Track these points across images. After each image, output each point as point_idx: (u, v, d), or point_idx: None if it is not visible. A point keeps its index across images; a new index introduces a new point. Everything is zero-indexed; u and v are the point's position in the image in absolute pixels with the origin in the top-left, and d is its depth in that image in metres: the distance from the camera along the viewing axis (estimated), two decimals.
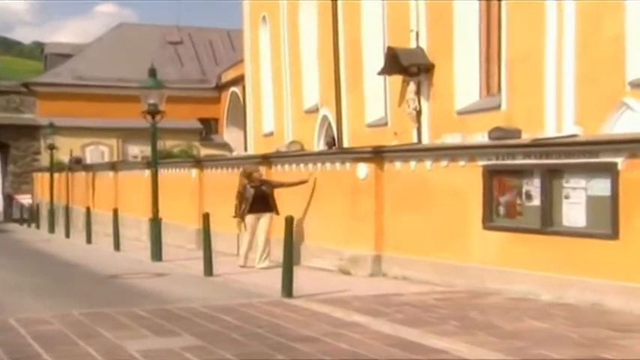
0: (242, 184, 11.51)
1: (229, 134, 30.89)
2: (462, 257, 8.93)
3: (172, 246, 14.96)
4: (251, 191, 11.38)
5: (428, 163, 9.57)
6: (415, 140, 14.28)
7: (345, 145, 17.53)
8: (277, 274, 8.62)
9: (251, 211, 11.31)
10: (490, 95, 13.40)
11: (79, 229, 20.04)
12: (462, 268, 8.86)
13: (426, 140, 14.08)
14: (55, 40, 45.05)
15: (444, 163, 9.31)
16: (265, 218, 11.38)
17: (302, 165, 12.07)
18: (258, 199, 11.36)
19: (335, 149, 16.48)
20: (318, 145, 19.49)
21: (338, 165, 11.17)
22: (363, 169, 10.43)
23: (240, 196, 11.50)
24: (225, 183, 14.46)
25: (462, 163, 9.04)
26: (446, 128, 12.95)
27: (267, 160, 13.03)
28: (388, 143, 12.87)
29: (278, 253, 9.14)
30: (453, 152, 9.27)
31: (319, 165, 11.66)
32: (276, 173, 12.80)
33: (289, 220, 8.53)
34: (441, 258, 9.20)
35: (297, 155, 12.86)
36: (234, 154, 22.52)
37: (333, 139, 18.68)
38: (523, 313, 6.94)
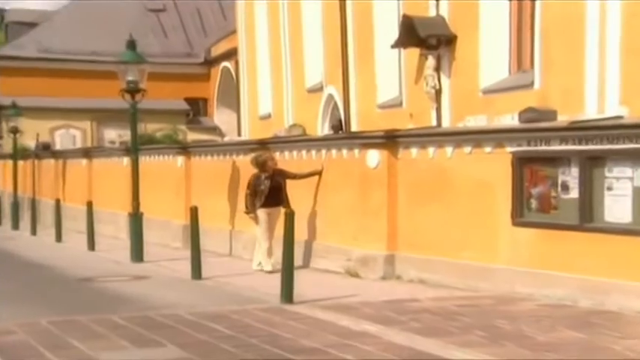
0: (255, 174, 11.34)
1: (220, 116, 30.87)
2: (487, 257, 8.94)
3: (155, 244, 15.00)
4: (267, 183, 11.21)
5: (449, 150, 9.57)
6: (434, 123, 14.26)
7: (354, 128, 17.51)
8: (279, 277, 8.64)
9: (265, 205, 11.16)
10: (521, 71, 13.37)
11: (47, 226, 20.12)
12: (488, 270, 8.88)
13: (446, 123, 14.05)
14: (17, 7, 44.25)
15: (467, 149, 9.31)
16: (277, 214, 11.17)
17: (304, 152, 12.09)
18: (273, 192, 11.17)
19: (342, 134, 16.47)
20: (323, 129, 19.47)
21: (345, 152, 11.17)
22: (374, 157, 10.44)
23: (253, 188, 11.30)
24: (216, 172, 14.51)
25: (488, 149, 9.04)
26: (469, 109, 12.94)
27: (263, 146, 13.03)
28: (403, 127, 12.84)
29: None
30: (477, 137, 9.27)
31: (324, 152, 11.67)
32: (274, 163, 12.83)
33: (289, 216, 8.54)
34: (463, 258, 9.22)
35: (299, 141, 12.86)
36: (226, 139, 22.51)
37: (340, 122, 18.67)
38: (558, 322, 6.96)
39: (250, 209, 11.29)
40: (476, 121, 11.10)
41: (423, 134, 10.43)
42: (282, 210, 10.80)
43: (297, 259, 10.28)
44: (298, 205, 10.74)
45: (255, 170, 11.41)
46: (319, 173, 11.30)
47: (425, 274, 9.71)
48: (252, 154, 11.92)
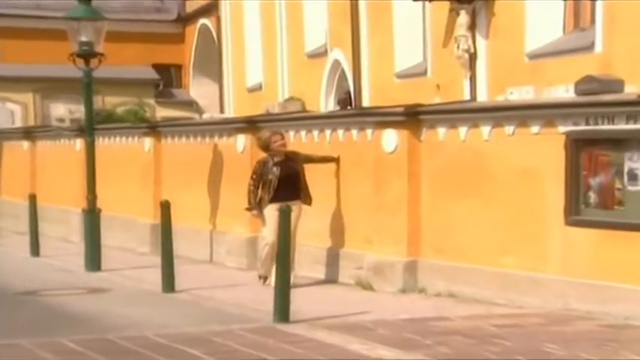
0: (260, 160, 11.05)
1: (198, 88, 30.83)
2: (534, 265, 8.96)
3: (116, 249, 15.05)
4: (275, 170, 10.78)
5: (485, 130, 9.59)
6: (467, 96, 14.26)
7: (366, 103, 17.52)
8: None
9: (275, 199, 10.59)
10: (578, 30, 13.36)
11: None
12: (535, 281, 8.90)
13: (482, 97, 14.06)
14: None
15: (508, 129, 9.32)
16: (293, 210, 10.52)
17: (303, 133, 12.12)
18: (285, 181, 10.72)
19: (351, 110, 16.47)
20: (327, 103, 19.51)
21: (355, 132, 11.20)
22: (391, 139, 10.46)
23: (258, 177, 10.91)
24: (193, 159, 14.55)
25: (535, 129, 9.06)
26: (512, 79, 12.94)
27: (253, 124, 13.08)
28: (428, 101, 12.86)
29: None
30: (522, 113, 9.28)
31: (328, 133, 11.69)
32: None
33: (285, 212, 8.55)
34: (503, 266, 9.24)
35: (297, 119, 12.90)
36: (206, 116, 22.47)
37: (349, 95, 18.69)
38: (624, 347, 6.96)
39: (254, 205, 10.90)
40: (520, 94, 11.10)
41: (452, 110, 10.43)
42: (302, 206, 10.76)
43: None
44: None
45: (262, 155, 11.12)
46: (335, 161, 11.21)
47: (455, 286, 9.73)
48: (257, 136, 11.67)
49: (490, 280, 9.35)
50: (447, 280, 9.87)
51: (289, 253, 8.49)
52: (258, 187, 10.88)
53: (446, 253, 9.94)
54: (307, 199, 10.85)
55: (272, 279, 10.16)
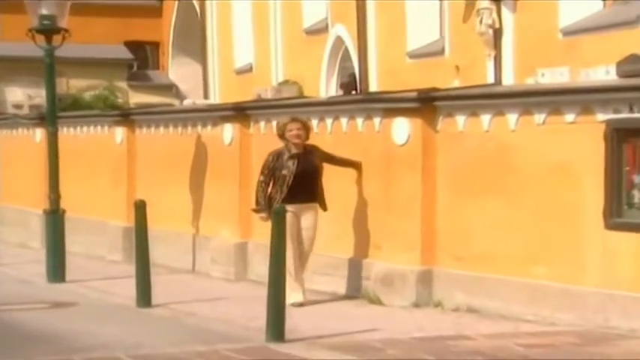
0: (273, 152, 10.78)
1: (178, 69, 30.83)
2: (569, 275, 8.95)
3: (83, 256, 15.05)
4: (290, 165, 10.51)
5: (512, 119, 9.58)
6: (491, 79, 14.25)
7: (373, 88, 17.50)
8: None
9: (288, 199, 10.36)
10: (621, 2, 13.33)
11: None
12: (570, 294, 8.89)
13: (508, 80, 14.04)
14: None
15: (539, 117, 9.32)
16: (309, 215, 10.66)
17: None
18: (302, 179, 10.45)
19: (356, 95, 16.45)
20: (328, 88, 19.49)
21: (361, 121, 11.20)
22: (402, 129, 10.45)
23: (269, 172, 10.65)
24: (173, 152, 14.53)
25: (569, 117, 9.05)
26: (544, 59, 12.92)
27: (241, 112, 13.09)
28: (445, 85, 12.84)
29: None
30: (554, 99, 9.27)
31: (330, 122, 11.68)
32: (258, 136, 12.84)
33: (277, 214, 8.56)
34: (533, 276, 9.23)
35: (293, 105, 12.88)
36: (187, 103, 22.40)
37: (353, 77, 18.68)
38: None
39: (263, 205, 10.61)
40: (553, 76, 11.04)
41: (474, 95, 10.42)
42: (315, 209, 10.60)
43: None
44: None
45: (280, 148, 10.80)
46: (357, 167, 10.99)
47: (477, 299, 9.72)
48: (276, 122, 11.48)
49: (517, 293, 9.33)
50: (467, 293, 9.85)
51: (283, 261, 8.44)
52: (269, 184, 10.66)
53: (466, 262, 9.92)
54: (323, 204, 10.71)
55: (293, 297, 10.13)
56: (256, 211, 10.85)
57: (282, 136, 10.69)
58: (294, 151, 10.59)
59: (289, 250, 10.07)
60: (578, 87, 9.59)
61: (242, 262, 12.70)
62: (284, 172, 10.50)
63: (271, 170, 10.64)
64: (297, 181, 10.49)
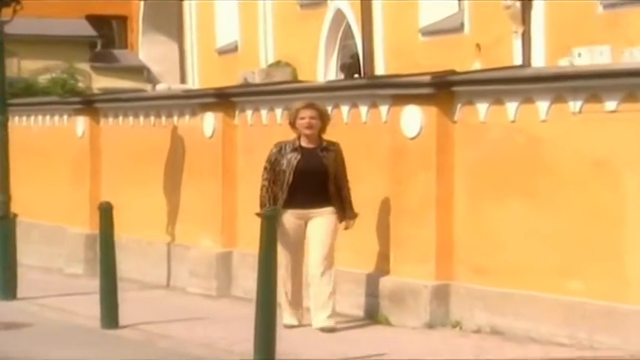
0: (277, 143, 10.48)
1: (150, 49, 30.84)
2: (610, 291, 8.90)
3: (38, 269, 15.03)
4: (291, 158, 10.25)
5: (542, 107, 9.55)
6: (518, 61, 14.22)
7: (380, 70, 17.49)
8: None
9: (289, 202, 10.23)
10: None
11: None
12: (612, 313, 8.85)
13: (539, 61, 14.02)
14: None
15: (574, 105, 9.28)
16: (321, 221, 10.31)
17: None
18: (304, 177, 10.22)
19: (359, 79, 16.41)
20: (327, 70, 19.48)
21: (365, 110, 11.18)
22: (414, 119, 10.43)
23: (271, 167, 10.40)
24: (144, 146, 14.50)
25: (611, 104, 9.00)
26: (580, 36, 12.89)
27: (225, 99, 13.05)
28: (464, 67, 12.81)
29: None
30: (593, 83, 9.22)
31: (329, 110, 11.58)
32: (244, 128, 12.78)
33: (270, 218, 8.48)
34: (569, 293, 9.20)
35: (285, 91, 12.84)
36: (161, 88, 22.35)
37: (356, 58, 18.65)
38: None
39: (266, 208, 10.11)
40: (591, 56, 11.01)
41: (498, 80, 10.36)
42: (331, 214, 10.24)
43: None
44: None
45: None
46: (348, 213, 10.49)
47: (502, 319, 9.70)
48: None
49: (549, 312, 9.29)
50: (490, 311, 9.82)
51: (274, 274, 8.42)
52: (273, 183, 10.40)
53: (489, 275, 9.89)
54: (348, 211, 10.35)
55: (286, 317, 10.14)
56: (260, 215, 10.03)
57: (293, 124, 10.44)
58: (303, 143, 10.34)
59: (283, 263, 10.09)
60: (621, 69, 9.51)
61: (225, 275, 12.67)
62: (283, 167, 10.28)
63: (272, 164, 10.41)
64: (298, 179, 10.22)
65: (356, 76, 17.90)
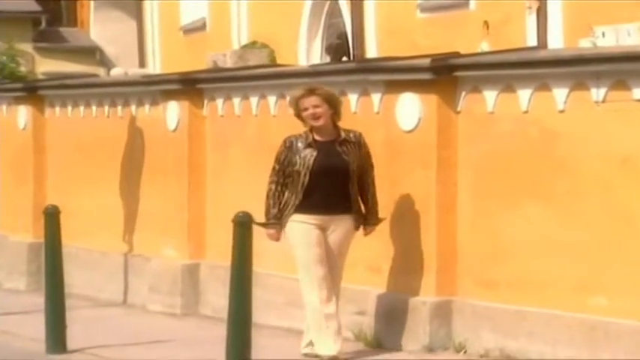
0: (287, 139, 10.12)
1: (103, 27, 30.79)
2: (638, 309, 8.90)
3: None
4: (306, 156, 9.97)
5: (560, 95, 9.58)
6: (531, 41, 14.26)
7: (372, 53, 17.51)
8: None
9: (303, 207, 10.02)
10: None
11: None
12: None
13: (556, 42, 14.06)
14: None
15: (597, 93, 9.31)
16: (339, 237, 10.09)
17: (272, 98, 12.12)
18: (323, 178, 10.06)
19: (348, 62, 16.44)
20: (310, 52, 19.48)
21: (355, 98, 11.23)
22: (411, 108, 10.46)
23: (281, 167, 10.09)
24: (97, 140, 14.48)
25: (638, 92, 9.05)
26: (604, 13, 12.95)
27: (191, 86, 13.07)
28: (470, 48, 12.83)
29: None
30: (618, 68, 9.23)
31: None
32: (214, 119, 12.84)
33: (242, 225, 8.52)
34: (590, 310, 9.22)
35: (262, 76, 12.86)
36: (116, 72, 22.34)
37: (345, 38, 18.67)
38: None
39: (272, 218, 10.13)
40: (617, 36, 11.06)
41: (508, 63, 10.36)
42: (351, 227, 10.06)
43: (260, 311, 10.29)
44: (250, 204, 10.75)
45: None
46: (373, 219, 10.38)
47: (513, 341, 9.71)
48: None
49: (568, 332, 9.30)
50: (499, 332, 9.83)
51: (249, 288, 8.44)
52: (283, 185, 10.11)
53: (498, 290, 9.92)
54: (371, 216, 10.14)
55: (322, 347, 9.88)
56: (264, 225, 10.16)
57: (299, 116, 10.20)
58: (317, 136, 10.07)
59: (314, 283, 9.84)
60: None
61: (192, 290, 12.71)
62: (297, 167, 10.00)
63: (283, 164, 10.12)
64: (317, 180, 9.96)
65: (344, 59, 17.91)
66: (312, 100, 9.99)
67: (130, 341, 11.19)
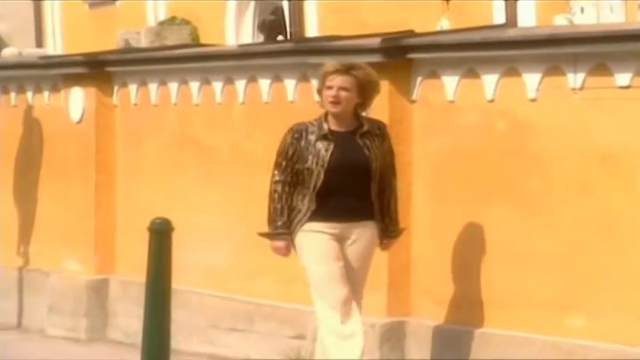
0: (294, 128, 9.64)
1: None
2: (624, 330, 8.97)
3: None
4: (320, 148, 9.67)
5: (531, 81, 9.68)
6: (498, 19, 14.35)
7: (312, 32, 17.55)
8: None
9: (319, 213, 9.62)
10: None
11: None
12: (627, 358, 9.01)
13: (526, 19, 14.16)
14: None
15: (573, 79, 9.41)
16: (362, 241, 9.74)
17: (195, 84, 12.21)
18: (343, 176, 9.62)
19: (284, 42, 16.50)
20: (240, 30, 19.51)
21: (292, 84, 11.34)
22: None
23: (288, 164, 9.61)
24: None
25: (623, 78, 9.11)
26: None
27: (99, 69, 13.10)
28: (427, 26, 12.92)
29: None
30: (599, 50, 9.31)
31: (241, 85, 11.81)
32: (126, 109, 12.88)
33: (159, 233, 8.57)
34: (568, 333, 9.28)
35: (182, 58, 12.90)
36: (8, 53, 22.24)
37: (281, 14, 18.71)
38: None
39: (279, 226, 9.68)
40: (598, 13, 11.14)
41: (471, 43, 10.44)
42: (373, 236, 9.68)
43: (180, 335, 10.33)
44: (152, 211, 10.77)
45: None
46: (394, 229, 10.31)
47: None
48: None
49: (542, 357, 9.35)
50: (460, 358, 9.89)
51: (167, 307, 8.48)
52: (291, 186, 9.74)
53: (458, 309, 10.00)
54: (392, 226, 9.73)
55: None
56: (267, 236, 9.80)
57: (319, 92, 9.75)
58: (332, 126, 9.64)
59: (330, 304, 9.46)
60: (634, 30, 9.54)
61: (99, 311, 12.72)
62: (308, 163, 9.60)
63: (290, 161, 9.71)
64: (333, 180, 9.55)
65: (280, 38, 17.95)
66: (340, 80, 9.48)
67: None
